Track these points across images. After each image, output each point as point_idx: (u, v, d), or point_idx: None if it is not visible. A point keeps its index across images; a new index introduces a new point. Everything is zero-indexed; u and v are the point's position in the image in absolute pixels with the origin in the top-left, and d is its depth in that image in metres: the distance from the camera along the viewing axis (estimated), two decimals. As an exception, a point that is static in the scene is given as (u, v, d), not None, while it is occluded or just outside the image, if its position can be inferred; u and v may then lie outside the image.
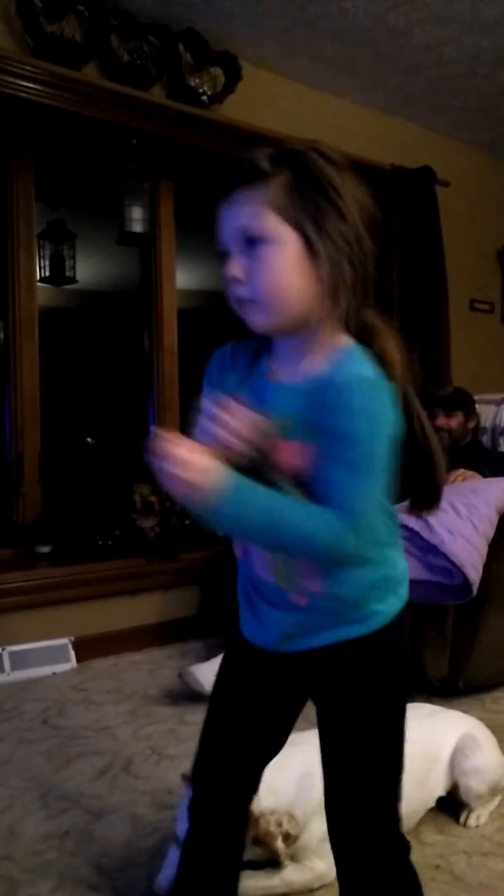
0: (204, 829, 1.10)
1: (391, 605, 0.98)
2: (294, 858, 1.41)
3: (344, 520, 0.88)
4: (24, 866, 1.49)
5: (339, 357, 0.94)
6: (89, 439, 3.09)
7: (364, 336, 0.96)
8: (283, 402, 0.95)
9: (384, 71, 3.38)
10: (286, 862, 1.38)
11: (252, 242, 0.92)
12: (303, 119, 3.40)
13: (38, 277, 2.95)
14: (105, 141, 2.90)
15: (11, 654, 2.60)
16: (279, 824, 1.35)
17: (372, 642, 0.97)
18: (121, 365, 4.18)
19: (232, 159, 3.31)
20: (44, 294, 3.62)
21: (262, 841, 1.34)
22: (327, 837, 1.41)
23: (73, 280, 4.49)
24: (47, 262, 4.34)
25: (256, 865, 1.37)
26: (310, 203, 0.92)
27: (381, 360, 0.94)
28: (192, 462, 0.87)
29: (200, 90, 3.03)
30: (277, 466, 0.93)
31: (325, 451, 0.90)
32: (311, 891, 1.42)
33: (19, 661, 2.61)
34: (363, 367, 0.92)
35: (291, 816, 1.37)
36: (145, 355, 3.31)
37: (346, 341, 0.96)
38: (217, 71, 3.07)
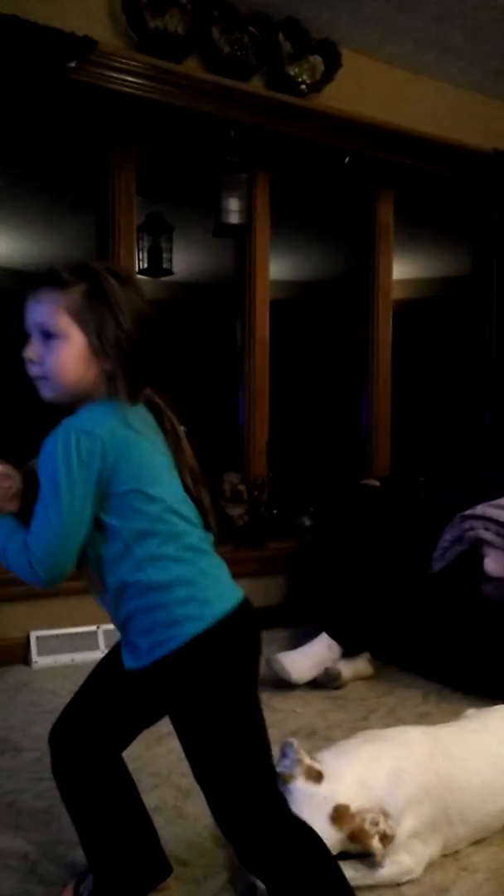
0: (64, 782, 1.29)
1: (189, 627, 1.12)
2: (380, 851, 1.41)
3: (28, 547, 1.11)
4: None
5: None
6: (181, 427, 3.16)
7: (151, 406, 1.23)
8: None
9: (488, 53, 3.27)
10: (384, 861, 1.37)
11: (47, 335, 1.16)
12: (403, 105, 3.34)
13: (137, 269, 3.02)
14: (204, 133, 2.93)
15: (106, 632, 2.70)
16: (375, 823, 1.35)
17: (177, 661, 1.12)
18: (213, 355, 4.24)
19: (330, 148, 3.31)
20: (142, 286, 3.70)
21: (357, 838, 1.34)
22: (416, 834, 1.42)
23: (169, 272, 4.57)
24: (145, 255, 4.43)
25: (345, 857, 1.38)
26: (96, 312, 1.15)
27: (161, 425, 1.22)
28: None
29: (299, 79, 3.02)
30: None
31: None
32: (398, 885, 1.41)
33: (113, 639, 2.66)
34: (77, 421, 1.13)
35: (387, 815, 1.36)
36: (237, 346, 3.34)
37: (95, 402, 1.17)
38: (316, 59, 3.05)
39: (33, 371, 1.18)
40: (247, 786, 1.14)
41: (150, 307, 1.21)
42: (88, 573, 1.20)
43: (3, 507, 1.18)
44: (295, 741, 1.45)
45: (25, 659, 2.64)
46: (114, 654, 1.27)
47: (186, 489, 1.21)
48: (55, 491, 1.09)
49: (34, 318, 1.17)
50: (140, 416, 1.19)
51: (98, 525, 1.13)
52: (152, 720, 1.30)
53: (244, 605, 1.19)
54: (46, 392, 1.19)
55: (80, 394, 1.18)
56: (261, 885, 1.28)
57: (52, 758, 1.29)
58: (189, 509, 1.20)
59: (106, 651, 2.59)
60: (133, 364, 1.16)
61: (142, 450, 1.15)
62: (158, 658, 1.13)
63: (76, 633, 2.69)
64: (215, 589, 1.17)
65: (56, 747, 1.29)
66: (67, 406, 1.20)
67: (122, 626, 1.18)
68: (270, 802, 1.16)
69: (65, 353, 1.15)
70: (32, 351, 1.17)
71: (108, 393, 1.17)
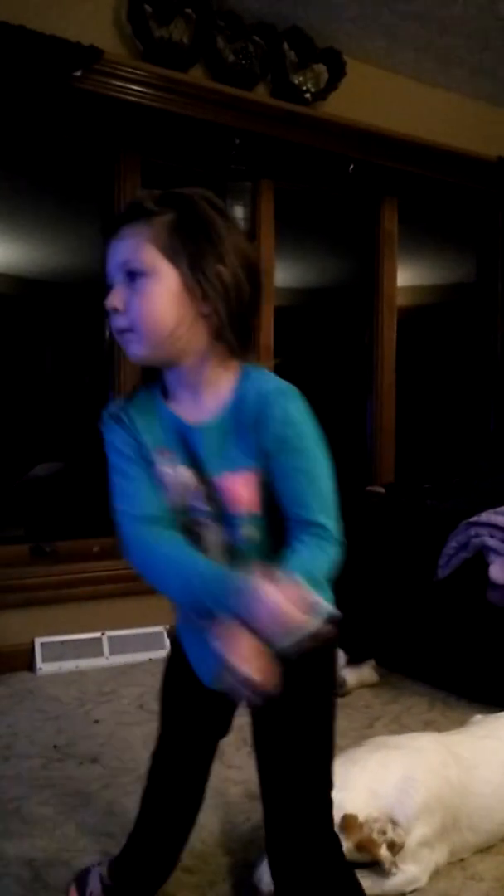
0: (161, 802, 1.26)
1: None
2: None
3: (324, 530, 0.96)
4: (123, 843, 1.55)
5: (241, 379, 1.00)
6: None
7: None
8: (209, 442, 1.01)
9: (492, 61, 3.28)
10: (394, 870, 1.37)
11: (133, 276, 0.96)
12: (407, 113, 3.35)
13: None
14: (208, 141, 2.95)
15: (110, 638, 2.70)
16: (383, 832, 1.34)
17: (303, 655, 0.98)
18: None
19: (334, 156, 3.32)
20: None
21: (365, 848, 1.34)
22: (426, 842, 1.41)
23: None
24: (149, 261, 4.44)
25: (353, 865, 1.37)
26: (190, 243, 0.95)
27: None
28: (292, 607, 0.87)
29: (304, 88, 3.04)
30: (234, 508, 0.99)
31: (283, 468, 0.95)
32: (404, 894, 1.41)
33: (118, 646, 2.70)
34: (275, 380, 0.99)
35: (396, 824, 1.36)
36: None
37: (239, 365, 1.01)
38: (321, 68, 3.07)
39: (118, 323, 0.99)
40: (324, 787, 1.08)
41: (256, 252, 1.06)
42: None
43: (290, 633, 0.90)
44: None
45: (30, 665, 2.64)
46: (177, 679, 1.19)
47: None
48: (323, 450, 0.97)
49: (115, 259, 0.98)
50: None
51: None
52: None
53: None
54: (136, 348, 0.99)
55: (178, 350, 0.98)
56: (264, 889, 1.29)
57: (154, 788, 1.27)
58: None
59: (108, 657, 2.63)
60: (238, 307, 0.97)
61: None
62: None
63: (80, 640, 2.69)
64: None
65: (155, 782, 1.26)
66: (151, 373, 1.04)
67: None
68: (329, 810, 1.10)
69: (155, 291, 0.95)
70: (116, 297, 0.97)
71: (210, 345, 0.99)
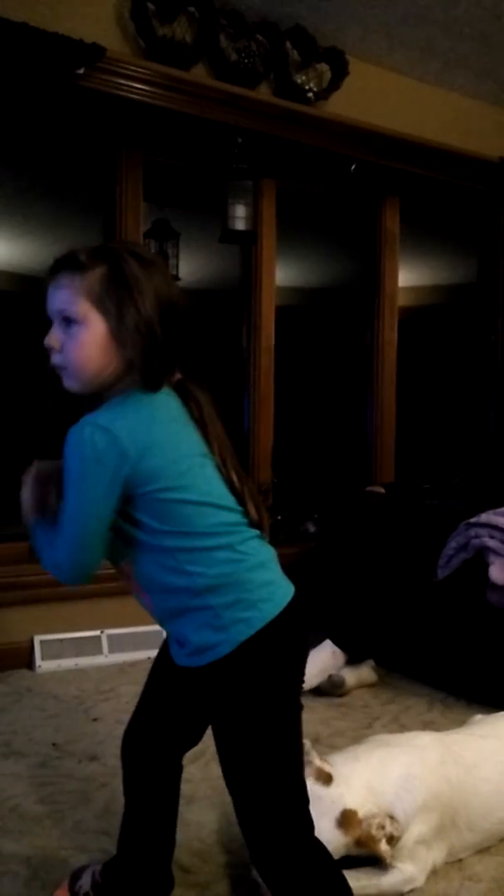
0: (132, 787, 1.33)
1: (236, 632, 1.08)
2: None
3: (56, 546, 1.11)
4: (121, 842, 1.55)
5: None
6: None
7: (179, 388, 1.18)
8: None
9: (495, 62, 3.28)
10: (394, 863, 1.38)
11: (68, 322, 1.12)
12: (409, 113, 3.35)
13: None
14: (211, 140, 2.95)
15: (110, 637, 2.70)
16: (381, 827, 1.35)
17: (226, 666, 1.08)
18: (219, 361, 4.25)
19: (336, 156, 3.32)
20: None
21: (366, 844, 1.35)
22: (424, 841, 1.42)
23: (176, 278, 4.58)
24: (151, 260, 4.43)
25: (348, 866, 1.37)
26: (115, 297, 1.11)
27: (188, 404, 1.17)
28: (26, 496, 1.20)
29: (306, 87, 3.04)
30: None
31: None
32: (401, 894, 1.41)
33: (116, 644, 2.71)
34: (96, 416, 1.08)
35: (393, 818, 1.37)
36: (243, 352, 3.34)
37: (118, 396, 1.13)
38: (323, 67, 3.06)
39: (55, 360, 1.15)
40: (280, 799, 1.10)
41: (176, 291, 1.17)
42: (127, 573, 1.16)
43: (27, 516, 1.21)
44: (308, 742, 1.44)
45: (29, 663, 2.64)
46: (165, 651, 1.26)
47: (229, 482, 1.15)
48: (70, 489, 1.07)
49: (54, 305, 1.14)
50: (169, 407, 1.15)
51: (134, 522, 1.09)
52: (208, 717, 1.25)
53: (292, 603, 1.12)
54: (69, 383, 1.16)
55: (105, 384, 1.14)
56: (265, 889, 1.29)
57: (123, 761, 1.33)
58: (231, 503, 1.14)
59: (107, 655, 2.64)
60: (154, 351, 1.12)
61: (167, 445, 1.10)
62: (210, 661, 1.09)
63: (80, 638, 2.69)
64: (264, 590, 1.10)
65: (126, 752, 1.32)
66: (91, 397, 1.17)
67: (168, 625, 1.16)
68: (300, 817, 1.12)
69: (85, 340, 1.11)
70: (53, 339, 1.14)
71: (130, 382, 1.13)
